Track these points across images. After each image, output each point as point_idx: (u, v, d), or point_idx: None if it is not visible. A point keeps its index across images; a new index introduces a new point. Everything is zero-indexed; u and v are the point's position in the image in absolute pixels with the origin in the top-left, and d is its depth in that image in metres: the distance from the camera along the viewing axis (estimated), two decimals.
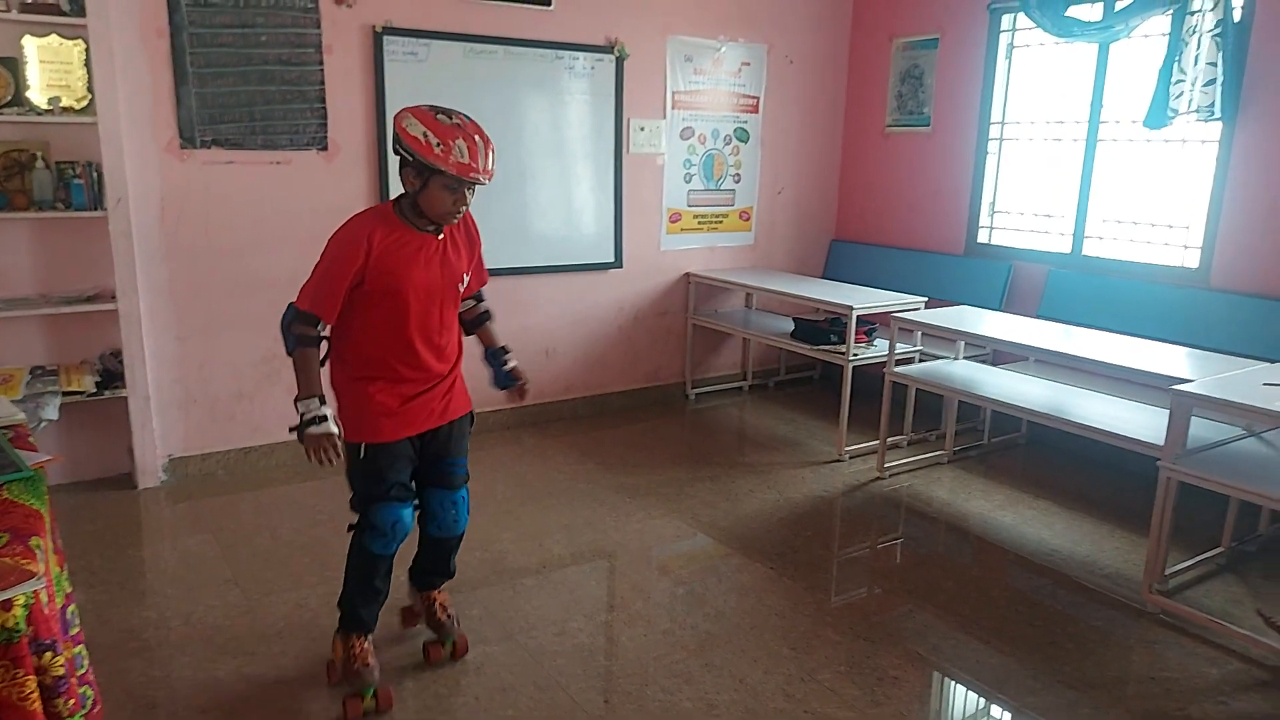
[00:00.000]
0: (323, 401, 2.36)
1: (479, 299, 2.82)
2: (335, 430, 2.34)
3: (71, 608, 2.16)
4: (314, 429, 2.32)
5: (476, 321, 2.82)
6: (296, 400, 2.36)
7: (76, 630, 2.17)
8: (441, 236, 2.51)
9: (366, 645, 2.53)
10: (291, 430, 2.38)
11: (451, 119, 2.34)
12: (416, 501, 2.59)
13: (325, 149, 4.14)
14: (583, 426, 4.98)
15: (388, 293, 2.39)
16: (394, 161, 4.09)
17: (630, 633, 2.91)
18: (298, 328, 2.39)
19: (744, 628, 2.94)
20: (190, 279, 3.96)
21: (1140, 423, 3.47)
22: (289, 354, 2.42)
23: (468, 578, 3.22)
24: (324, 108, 4.10)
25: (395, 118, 2.37)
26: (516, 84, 4.59)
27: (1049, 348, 3.74)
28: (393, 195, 4.16)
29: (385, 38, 4.18)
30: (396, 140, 2.35)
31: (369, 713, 2.45)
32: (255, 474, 4.18)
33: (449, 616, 2.74)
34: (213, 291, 4.01)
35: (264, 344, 4.14)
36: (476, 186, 2.41)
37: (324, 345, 2.49)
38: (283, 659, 2.71)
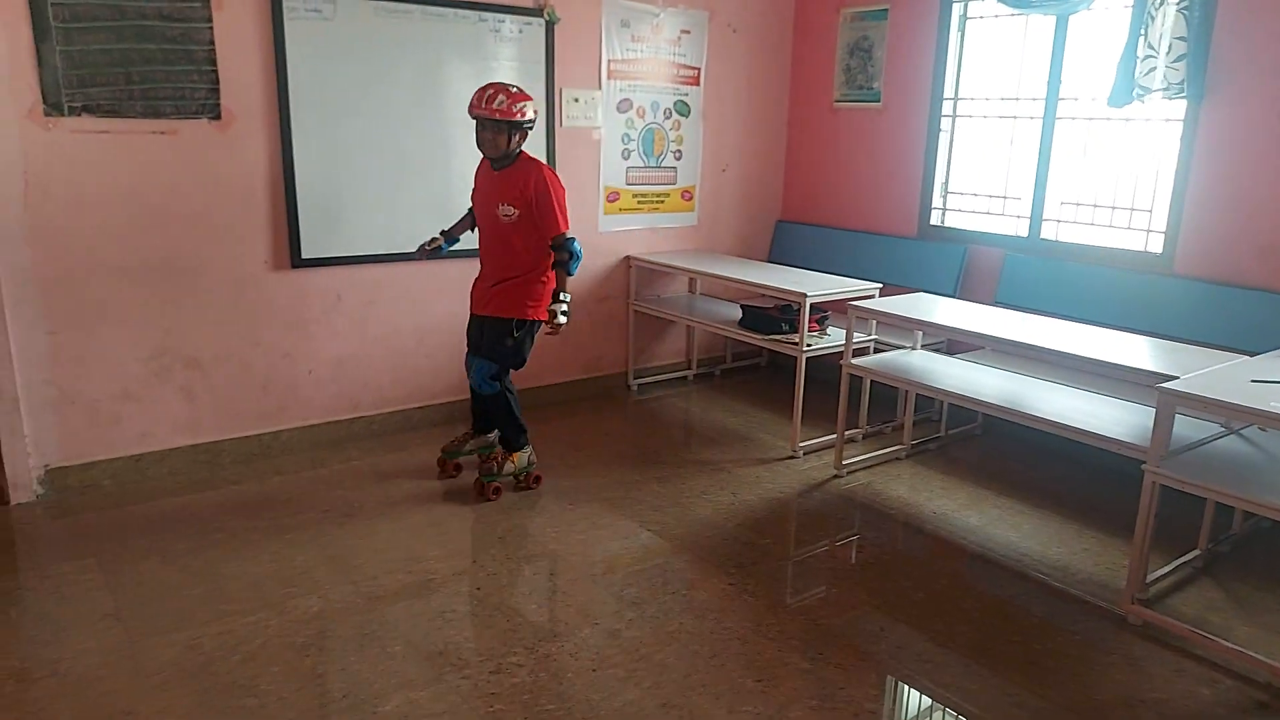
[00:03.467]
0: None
1: (556, 247, 3.48)
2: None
3: None
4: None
5: (555, 265, 3.51)
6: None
7: None
8: (498, 171, 3.51)
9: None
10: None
11: (490, 85, 3.46)
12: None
13: (218, 117, 3.65)
14: None
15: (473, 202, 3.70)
16: (298, 132, 3.95)
17: (576, 666, 2.58)
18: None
19: (703, 656, 2.64)
20: (60, 264, 3.45)
21: (1111, 418, 3.28)
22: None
23: (388, 604, 2.84)
24: (214, 71, 3.61)
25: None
26: (436, 47, 4.16)
27: (1010, 338, 3.51)
28: (297, 165, 3.82)
29: None
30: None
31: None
32: (146, 484, 3.70)
33: (498, 464, 3.71)
34: (89, 278, 3.51)
35: (154, 337, 3.66)
36: (494, 123, 3.41)
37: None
38: (167, 716, 2.31)
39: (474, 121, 3.43)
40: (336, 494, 3.66)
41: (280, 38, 3.73)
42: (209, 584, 2.94)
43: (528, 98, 3.46)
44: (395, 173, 4.14)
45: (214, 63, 3.61)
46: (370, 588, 2.95)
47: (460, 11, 4.18)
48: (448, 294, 4.41)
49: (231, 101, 3.67)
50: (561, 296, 3.47)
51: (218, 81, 3.63)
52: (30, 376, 3.46)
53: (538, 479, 3.79)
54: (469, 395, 3.86)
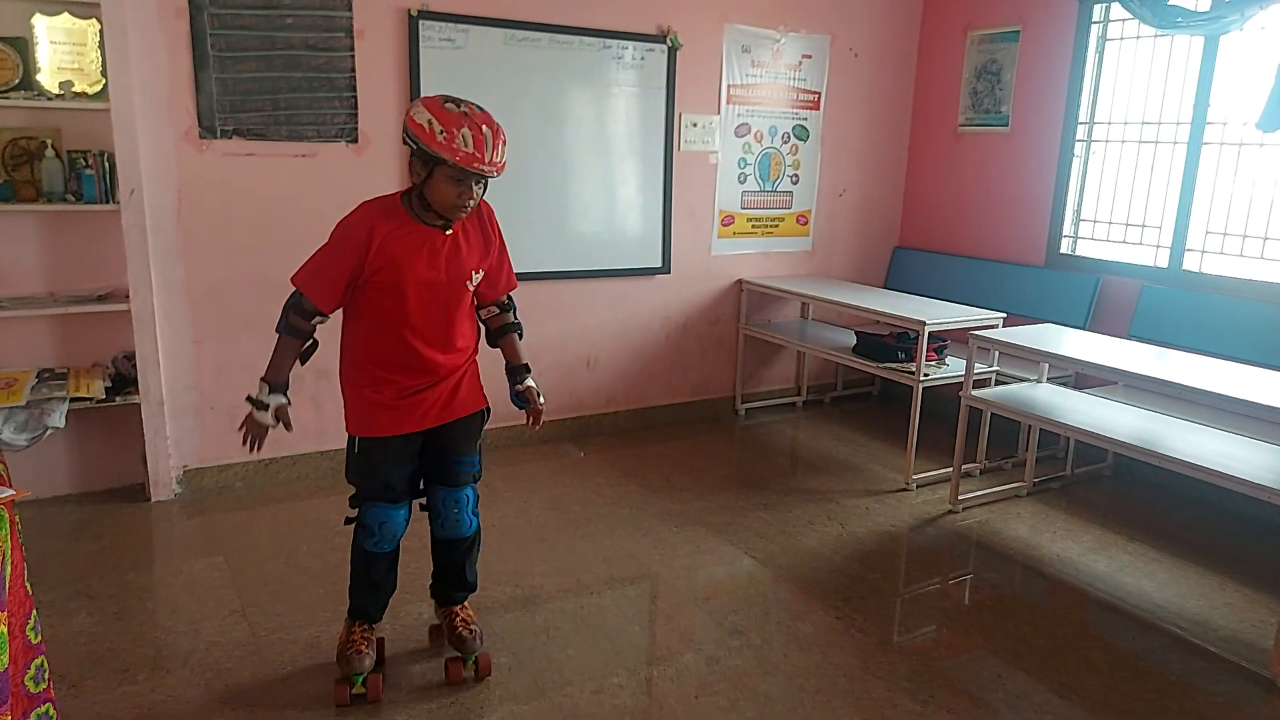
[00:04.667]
0: (277, 390, 2.34)
1: (504, 307, 2.64)
2: (271, 423, 2.33)
3: (38, 661, 1.87)
4: (256, 412, 2.32)
5: (500, 333, 2.65)
6: (261, 379, 2.35)
7: (43, 687, 1.88)
8: (450, 232, 2.36)
9: (364, 632, 2.52)
10: (247, 400, 2.36)
11: (460, 107, 2.19)
12: (422, 502, 2.59)
13: (355, 141, 3.84)
14: (625, 442, 4.64)
15: (387, 287, 2.30)
16: None
17: (679, 693, 2.55)
18: (293, 316, 2.35)
19: (808, 691, 2.57)
20: (208, 278, 3.69)
21: (1258, 462, 3.05)
22: (276, 331, 2.38)
23: (496, 618, 2.89)
24: (354, 97, 3.80)
25: (408, 107, 2.26)
26: (560, 74, 4.26)
27: (1145, 373, 3.31)
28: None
29: (421, 22, 3.88)
30: (404, 129, 2.22)
31: (356, 699, 2.43)
32: (275, 488, 3.89)
33: (471, 632, 2.57)
34: (231, 291, 3.73)
35: None
36: (488, 181, 2.29)
37: (315, 342, 2.44)
38: (287, 711, 2.40)
39: (451, 173, 2.18)
40: None
41: (415, 66, 3.90)
42: (330, 586, 3.06)
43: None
44: (517, 194, 4.25)
45: (354, 89, 3.81)
46: (479, 599, 3.00)
47: (585, 39, 4.28)
48: (559, 313, 4.49)
49: (368, 126, 3.85)
50: (528, 367, 2.62)
51: (356, 107, 3.82)
52: (175, 382, 3.70)
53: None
54: (387, 555, 2.58)
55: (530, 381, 2.59)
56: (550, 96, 4.26)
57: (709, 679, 2.61)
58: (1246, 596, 3.21)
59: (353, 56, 3.77)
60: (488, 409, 2.62)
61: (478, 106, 2.22)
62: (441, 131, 2.13)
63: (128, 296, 3.50)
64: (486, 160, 2.18)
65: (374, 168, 3.89)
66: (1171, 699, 2.60)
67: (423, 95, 3.82)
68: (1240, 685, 2.69)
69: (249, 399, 2.34)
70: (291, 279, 2.35)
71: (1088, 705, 2.56)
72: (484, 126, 2.17)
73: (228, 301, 3.73)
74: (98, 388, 3.49)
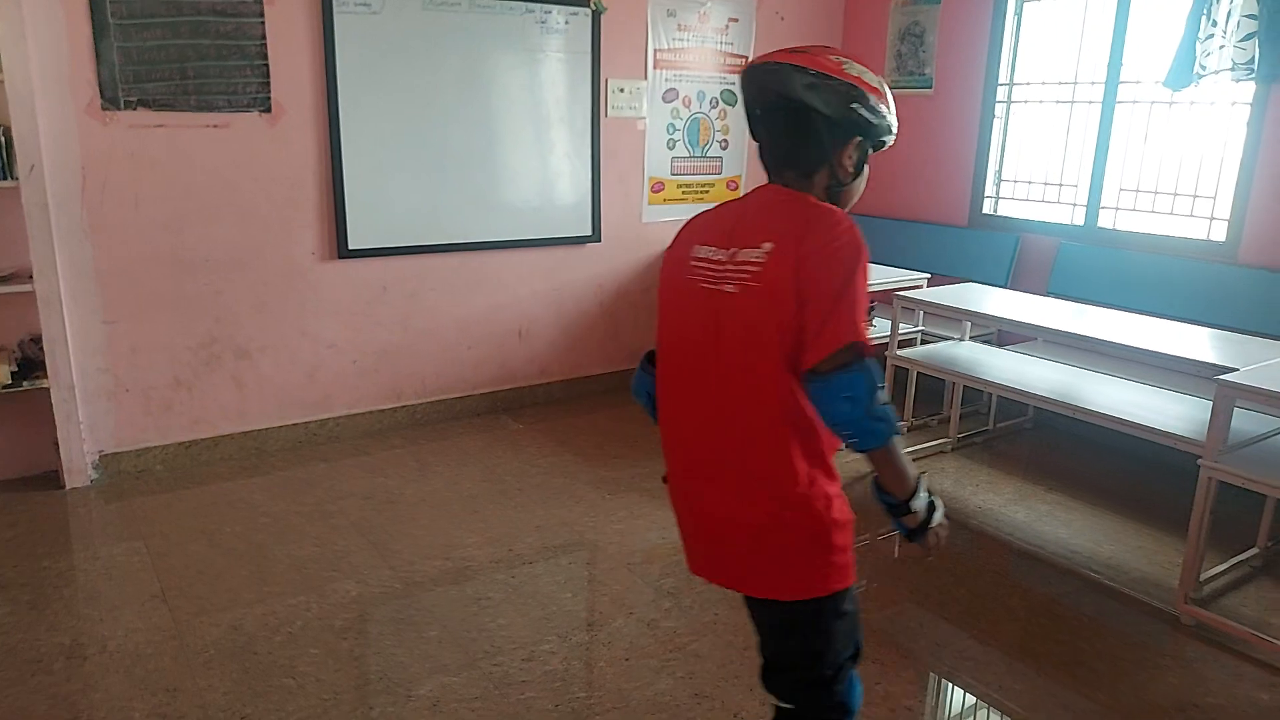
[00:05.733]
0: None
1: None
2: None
3: None
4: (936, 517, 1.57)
5: None
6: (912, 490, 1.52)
7: None
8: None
9: None
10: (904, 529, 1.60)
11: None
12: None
13: (268, 110, 3.72)
14: (559, 412, 4.63)
15: None
16: (346, 124, 3.54)
17: (610, 655, 2.57)
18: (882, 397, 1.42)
19: (737, 648, 2.61)
20: (118, 256, 3.55)
21: (1167, 412, 3.17)
22: (886, 439, 1.44)
23: (426, 591, 2.87)
24: (266, 65, 3.68)
25: (823, 59, 1.52)
26: (483, 40, 4.17)
27: (1063, 329, 3.41)
28: (345, 157, 3.86)
29: None
30: (847, 95, 1.49)
31: None
32: (196, 469, 3.80)
33: None
34: (144, 269, 3.60)
35: (203, 326, 3.74)
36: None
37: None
38: (209, 694, 2.36)
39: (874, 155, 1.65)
40: (378, 481, 3.71)
41: (330, 32, 3.78)
42: (253, 567, 3.01)
43: None
44: (440, 164, 4.17)
45: (265, 57, 3.68)
46: (409, 573, 2.99)
47: (507, 3, 4.19)
48: (489, 285, 4.45)
49: (281, 95, 3.74)
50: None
51: (268, 76, 3.70)
52: (87, 365, 3.57)
53: None
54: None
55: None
56: (473, 63, 4.18)
57: (640, 641, 2.64)
58: (1156, 539, 3.34)
59: (263, 23, 3.64)
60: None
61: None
62: (889, 100, 1.54)
63: (31, 277, 3.35)
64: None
65: (289, 137, 3.78)
66: (1084, 640, 2.70)
67: (338, 61, 3.80)
68: (1149, 624, 2.80)
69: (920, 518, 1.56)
70: (855, 341, 1.39)
71: (1006, 650, 2.65)
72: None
73: (141, 280, 3.60)
74: (3, 373, 3.36)
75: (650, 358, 1.72)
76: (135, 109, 3.47)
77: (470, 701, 2.35)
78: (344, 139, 3.89)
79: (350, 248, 4.01)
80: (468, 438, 4.23)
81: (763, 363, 1.45)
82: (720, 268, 1.51)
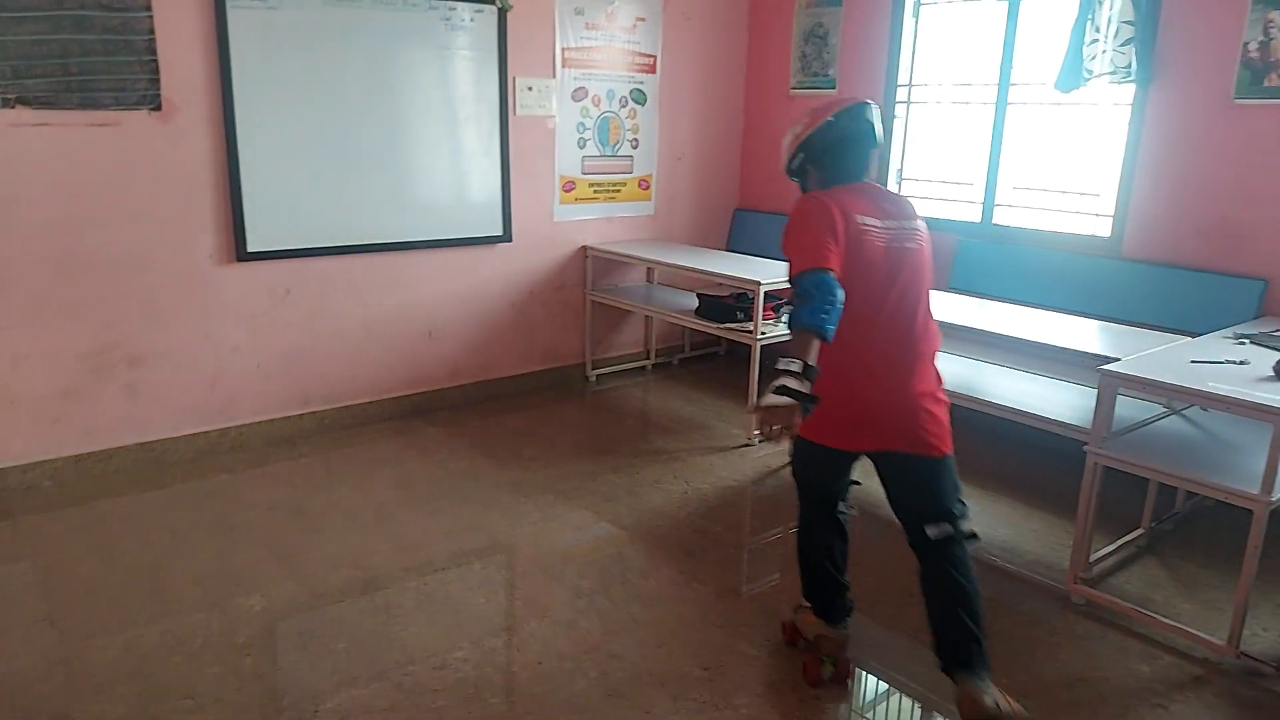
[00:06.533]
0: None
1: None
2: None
3: None
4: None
5: None
6: None
7: None
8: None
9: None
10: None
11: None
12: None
13: (159, 108, 3.57)
14: (472, 415, 4.58)
15: None
16: (244, 122, 3.44)
17: (524, 659, 2.56)
18: None
19: (650, 645, 2.63)
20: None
21: (1058, 401, 3.32)
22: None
23: (334, 603, 2.81)
24: (155, 61, 3.53)
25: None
26: (388, 37, 4.10)
27: (960, 323, 3.53)
28: (242, 156, 3.73)
29: None
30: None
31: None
32: (89, 484, 3.63)
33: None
34: (26, 274, 3.42)
35: (94, 333, 3.58)
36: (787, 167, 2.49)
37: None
38: None
39: None
40: (284, 491, 3.61)
41: (223, 27, 3.65)
42: (150, 584, 2.89)
43: (793, 125, 2.38)
44: (346, 164, 4.08)
45: (154, 53, 3.53)
46: (316, 585, 2.92)
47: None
48: (397, 286, 4.37)
49: (173, 92, 3.59)
50: (782, 362, 1.94)
51: (158, 72, 3.55)
52: None
53: (834, 672, 2.51)
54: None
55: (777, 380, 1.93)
56: (379, 60, 4.09)
57: (555, 644, 2.63)
58: (1049, 522, 3.50)
59: (151, 17, 3.50)
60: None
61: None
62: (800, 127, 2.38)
63: None
64: None
65: (182, 136, 3.64)
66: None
67: (234, 57, 3.65)
68: (1041, 603, 2.93)
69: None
70: None
71: (910, 634, 2.73)
72: None
73: (24, 286, 3.42)
74: None
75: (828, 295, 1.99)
76: (14, 107, 3.29)
77: (380, 713, 2.31)
78: (241, 138, 3.77)
79: (250, 250, 3.89)
80: (378, 443, 4.15)
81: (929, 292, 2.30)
82: (891, 232, 2.22)
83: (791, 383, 1.89)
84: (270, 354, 4.05)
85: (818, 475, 2.49)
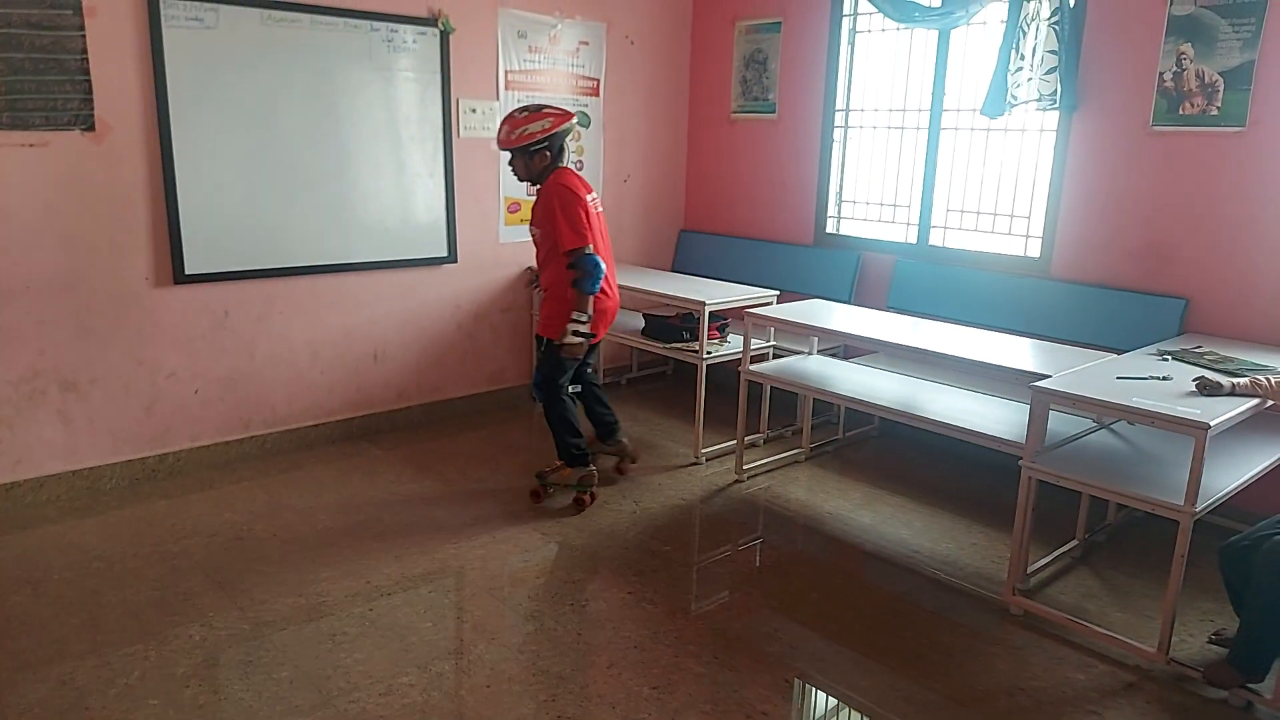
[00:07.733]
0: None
1: (570, 263, 3.45)
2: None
3: None
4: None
5: (572, 284, 3.47)
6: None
7: None
8: (532, 196, 3.80)
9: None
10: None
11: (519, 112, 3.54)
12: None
13: (91, 128, 3.50)
14: (418, 437, 4.54)
15: None
16: (180, 144, 3.81)
17: (471, 683, 2.55)
18: None
19: (600, 666, 2.64)
20: None
21: (994, 417, 3.41)
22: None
23: (277, 631, 2.76)
24: (88, 80, 3.47)
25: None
26: (329, 58, 4.08)
27: (899, 342, 3.62)
28: (179, 178, 3.70)
29: (162, 0, 3.59)
30: None
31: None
32: (20, 512, 3.51)
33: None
34: None
35: (24, 358, 3.48)
36: (506, 152, 3.60)
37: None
38: None
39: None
40: (225, 517, 3.54)
41: (158, 47, 3.60)
42: (84, 616, 2.81)
43: (538, 117, 3.45)
44: (286, 185, 4.04)
45: (87, 72, 3.47)
46: (258, 613, 2.86)
47: (351, 21, 4.11)
48: (341, 307, 4.33)
49: (106, 113, 3.53)
50: (574, 315, 3.42)
51: (91, 92, 3.48)
52: None
53: (580, 500, 3.74)
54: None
55: (570, 324, 3.44)
56: (320, 82, 4.07)
57: (502, 667, 2.62)
58: (988, 536, 3.59)
59: (84, 36, 3.44)
60: (546, 339, 3.57)
61: (523, 109, 3.51)
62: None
63: None
64: (497, 141, 3.55)
65: (116, 157, 3.58)
66: (923, 633, 2.88)
67: (169, 77, 3.62)
68: (981, 614, 3.01)
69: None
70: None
71: (854, 647, 2.78)
72: (504, 118, 3.53)
73: None
74: None
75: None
76: None
77: None
78: (178, 158, 3.71)
79: (189, 272, 3.82)
80: (322, 467, 4.09)
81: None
82: (595, 202, 3.62)
83: (582, 327, 3.44)
84: (209, 377, 3.98)
85: (578, 364, 3.69)
